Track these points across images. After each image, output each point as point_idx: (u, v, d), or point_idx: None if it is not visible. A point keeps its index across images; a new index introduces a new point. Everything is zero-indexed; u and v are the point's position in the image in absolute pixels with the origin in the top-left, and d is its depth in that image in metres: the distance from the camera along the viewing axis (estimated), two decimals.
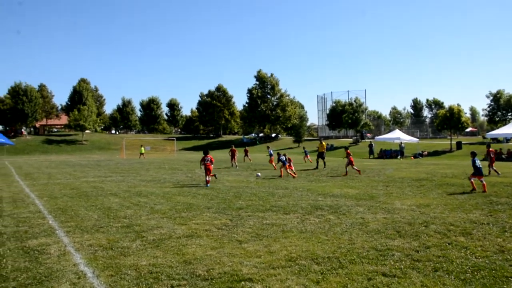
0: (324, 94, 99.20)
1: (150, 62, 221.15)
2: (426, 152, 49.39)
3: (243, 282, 5.51)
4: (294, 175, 21.31)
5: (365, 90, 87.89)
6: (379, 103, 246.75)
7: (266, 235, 8.17)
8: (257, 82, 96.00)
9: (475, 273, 5.71)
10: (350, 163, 22.79)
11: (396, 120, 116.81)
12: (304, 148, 42.39)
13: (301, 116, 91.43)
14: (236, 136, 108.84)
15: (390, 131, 70.31)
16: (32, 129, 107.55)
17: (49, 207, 12.55)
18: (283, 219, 9.85)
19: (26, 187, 18.63)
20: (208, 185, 17.64)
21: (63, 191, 16.63)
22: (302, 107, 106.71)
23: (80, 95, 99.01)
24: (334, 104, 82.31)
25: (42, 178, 23.88)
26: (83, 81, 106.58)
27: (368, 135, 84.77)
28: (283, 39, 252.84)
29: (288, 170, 21.86)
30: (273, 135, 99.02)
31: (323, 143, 28.25)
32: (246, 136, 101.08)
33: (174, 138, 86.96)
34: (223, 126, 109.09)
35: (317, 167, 27.47)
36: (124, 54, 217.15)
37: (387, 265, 6.08)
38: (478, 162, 14.83)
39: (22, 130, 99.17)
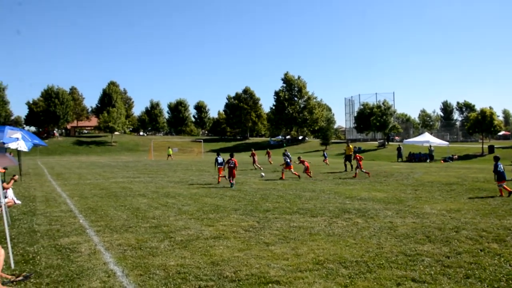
0: (351, 97, 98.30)
1: (178, 65, 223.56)
2: (456, 156, 48.36)
3: (270, 285, 5.50)
4: (297, 174, 22.34)
5: (394, 93, 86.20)
6: (408, 105, 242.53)
7: (293, 238, 8.14)
8: (284, 85, 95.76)
9: (510, 281, 5.55)
10: (359, 166, 23.04)
11: (425, 123, 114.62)
12: (323, 151, 42.84)
13: (328, 118, 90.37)
14: (263, 139, 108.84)
15: (419, 134, 69.11)
16: (63, 130, 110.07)
17: (79, 207, 12.84)
18: (310, 222, 9.81)
19: (58, 187, 19.10)
20: (233, 186, 18.06)
21: (93, 191, 16.98)
22: (330, 109, 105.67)
23: (109, 98, 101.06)
24: (362, 107, 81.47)
25: (73, 178, 24.42)
26: (112, 83, 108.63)
27: (397, 138, 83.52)
28: (311, 41, 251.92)
29: (292, 170, 22.64)
30: (300, 137, 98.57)
31: (350, 146, 28.40)
32: (273, 139, 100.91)
33: (201, 140, 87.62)
34: (250, 129, 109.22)
35: (345, 170, 27.42)
36: (153, 57, 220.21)
37: (416, 271, 5.97)
38: (501, 167, 14.60)
39: (54, 131, 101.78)
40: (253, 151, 34.21)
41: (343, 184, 18.66)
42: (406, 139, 62.44)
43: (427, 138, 49.53)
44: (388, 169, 29.49)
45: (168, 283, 5.63)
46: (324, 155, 39.81)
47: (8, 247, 6.57)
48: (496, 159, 15.07)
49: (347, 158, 27.49)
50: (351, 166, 27.40)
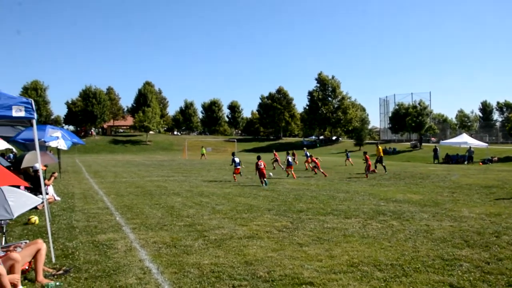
0: (386, 97, 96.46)
1: (212, 65, 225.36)
2: (496, 158, 46.83)
3: (304, 286, 5.48)
4: (294, 176, 23.02)
5: (430, 93, 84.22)
6: (445, 106, 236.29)
7: (327, 239, 8.09)
8: (318, 85, 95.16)
9: None
10: (368, 166, 24.03)
11: (463, 123, 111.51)
12: (346, 150, 43.75)
13: (363, 119, 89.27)
14: (296, 139, 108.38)
15: (456, 135, 67.40)
16: (100, 129, 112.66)
17: (116, 204, 13.13)
18: (344, 223, 9.72)
19: (95, 185, 19.58)
20: (265, 185, 18.64)
21: (128, 189, 17.33)
22: (364, 109, 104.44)
23: (145, 98, 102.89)
24: (397, 107, 79.99)
25: (109, 176, 25.00)
26: (147, 84, 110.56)
27: (433, 139, 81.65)
28: (345, 40, 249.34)
29: (292, 170, 23.67)
30: (334, 138, 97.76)
31: (380, 147, 28.32)
32: (306, 139, 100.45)
33: (235, 140, 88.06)
34: (284, 128, 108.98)
35: (385, 171, 27.01)
36: (187, 57, 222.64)
37: (454, 276, 5.82)
38: None
39: (92, 130, 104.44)
40: (275, 152, 35.40)
41: (378, 186, 18.39)
42: (442, 140, 60.96)
43: (465, 139, 48.19)
44: (424, 170, 28.88)
45: (202, 282, 5.69)
46: (346, 154, 39.21)
47: (49, 242, 6.78)
48: None
49: (379, 160, 27.32)
50: (384, 167, 27.40)
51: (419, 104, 73.44)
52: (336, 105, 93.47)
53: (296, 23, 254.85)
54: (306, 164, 30.45)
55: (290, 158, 24.42)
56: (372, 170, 23.95)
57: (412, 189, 16.93)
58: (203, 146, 58.32)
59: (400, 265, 6.31)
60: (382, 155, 27.41)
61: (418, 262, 6.49)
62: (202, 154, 53.86)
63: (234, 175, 22.09)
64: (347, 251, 7.15)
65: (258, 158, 20.59)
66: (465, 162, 43.41)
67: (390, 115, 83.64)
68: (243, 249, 7.39)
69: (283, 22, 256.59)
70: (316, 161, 25.73)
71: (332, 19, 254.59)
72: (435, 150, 47.83)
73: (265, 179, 19.29)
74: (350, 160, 37.79)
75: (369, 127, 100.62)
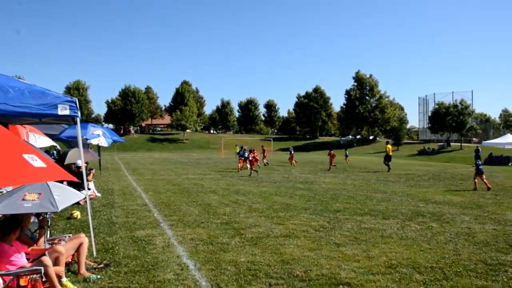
0: (426, 96, 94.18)
1: (248, 64, 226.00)
2: None
3: (341, 286, 5.44)
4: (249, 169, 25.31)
5: (472, 91, 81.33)
6: (488, 105, 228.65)
7: (364, 240, 7.99)
8: (355, 83, 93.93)
9: None
10: (330, 163, 30.01)
11: (508, 123, 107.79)
12: (345, 150, 46.86)
13: (401, 118, 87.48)
14: (333, 138, 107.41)
15: (500, 135, 65.08)
16: (138, 128, 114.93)
17: (154, 201, 13.37)
18: (382, 224, 9.57)
19: (134, 182, 20.00)
20: (251, 175, 23.32)
21: (166, 187, 17.61)
22: (402, 109, 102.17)
23: (182, 97, 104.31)
24: (437, 106, 78.02)
25: (147, 173, 25.46)
26: (185, 83, 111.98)
27: (474, 139, 79.27)
28: (383, 38, 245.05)
29: (247, 163, 26.07)
30: (371, 137, 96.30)
31: (389, 146, 29.50)
32: (343, 138, 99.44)
33: (271, 139, 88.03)
34: (320, 128, 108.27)
35: (388, 170, 27.55)
36: (224, 56, 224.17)
37: (499, 282, 5.62)
38: None
39: (130, 129, 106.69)
40: (291, 148, 38.55)
41: (416, 187, 18.00)
42: (484, 140, 59.04)
43: (510, 140, 46.53)
44: (465, 171, 28.04)
45: (239, 279, 5.72)
46: (345, 154, 42.94)
47: (91, 236, 6.98)
48: None
49: (387, 158, 28.17)
50: (388, 166, 28.01)
51: (460, 103, 71.37)
52: (373, 104, 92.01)
53: (334, 21, 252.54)
54: (294, 161, 35.49)
55: (243, 152, 28.16)
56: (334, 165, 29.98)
57: (453, 191, 16.50)
58: (236, 145, 58.89)
59: (440, 268, 6.16)
60: (391, 154, 28.44)
61: (460, 265, 6.31)
62: (237, 153, 54.53)
63: (240, 166, 26.75)
64: (385, 252, 7.04)
65: (250, 151, 26.02)
66: (510, 164, 41.92)
67: (429, 114, 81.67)
68: (280, 247, 7.38)
69: (320, 20, 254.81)
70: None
71: (370, 17, 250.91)
72: (476, 151, 46.31)
73: (253, 169, 24.38)
74: (348, 158, 41.92)
75: (408, 126, 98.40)
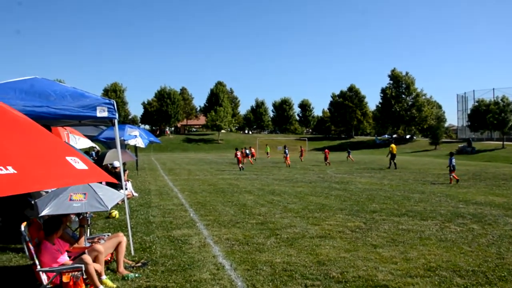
0: (465, 93, 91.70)
1: (283, 63, 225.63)
2: None
3: None
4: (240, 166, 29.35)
5: None
6: None
7: (402, 241, 7.83)
8: (391, 82, 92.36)
9: None
10: (325, 159, 34.90)
11: None
12: (348, 147, 46.47)
13: (439, 116, 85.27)
14: (369, 137, 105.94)
15: None
16: (174, 128, 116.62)
17: (190, 201, 13.53)
18: (420, 225, 9.36)
19: (170, 182, 20.31)
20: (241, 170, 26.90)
21: (201, 187, 17.79)
22: (440, 107, 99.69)
23: (217, 97, 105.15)
24: (476, 104, 75.75)
25: (183, 174, 25.81)
26: (219, 83, 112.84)
27: None
28: (419, 35, 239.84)
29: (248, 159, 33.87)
30: (408, 136, 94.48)
31: (393, 145, 31.46)
32: (379, 137, 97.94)
33: (306, 138, 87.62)
34: (355, 127, 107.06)
35: (395, 167, 29.49)
36: (258, 56, 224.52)
37: None
38: None
39: (166, 129, 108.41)
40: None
41: (455, 187, 17.53)
42: None
43: None
44: (508, 171, 27.14)
45: (275, 280, 5.72)
46: (348, 151, 42.87)
47: (129, 236, 7.12)
48: None
49: (392, 156, 30.32)
50: (390, 163, 30.47)
51: (501, 100, 68.96)
52: (410, 103, 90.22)
53: (368, 19, 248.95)
54: (288, 161, 35.00)
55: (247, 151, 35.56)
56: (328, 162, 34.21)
57: (495, 191, 15.98)
58: (267, 145, 59.85)
59: (482, 272, 5.97)
60: (395, 152, 30.50)
61: (504, 270, 6.09)
62: (267, 152, 55.19)
63: (240, 163, 29.74)
64: (424, 255, 6.88)
65: (236, 149, 31.73)
66: None
67: (468, 112, 79.42)
68: (316, 248, 7.34)
69: (354, 18, 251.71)
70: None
71: (405, 14, 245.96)
72: None
73: (240, 165, 29.02)
74: (351, 157, 41.81)
75: (446, 125, 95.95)
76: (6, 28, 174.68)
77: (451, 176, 19.31)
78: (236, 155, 31.30)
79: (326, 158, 35.50)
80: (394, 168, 29.33)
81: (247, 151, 32.01)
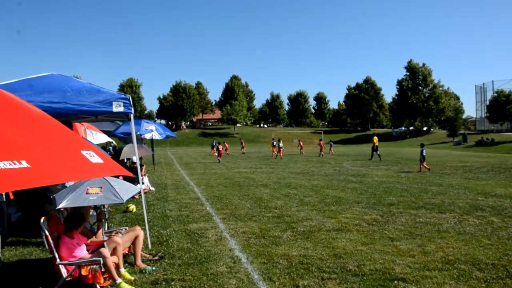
0: (483, 84, 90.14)
1: (298, 56, 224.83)
2: None
3: (395, 282, 5.30)
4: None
5: None
6: None
7: (419, 234, 7.75)
8: (408, 73, 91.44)
9: None
10: (320, 150, 38.15)
11: None
12: (330, 140, 48.88)
13: (456, 108, 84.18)
14: (385, 130, 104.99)
15: None
16: (189, 123, 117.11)
17: (206, 195, 13.58)
18: (438, 218, 9.26)
19: (186, 176, 20.40)
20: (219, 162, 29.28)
21: (217, 181, 17.84)
22: (458, 98, 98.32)
23: (232, 91, 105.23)
24: (496, 94, 74.53)
25: (199, 168, 25.92)
26: (234, 77, 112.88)
27: None
28: (436, 25, 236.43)
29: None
30: (425, 128, 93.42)
31: (376, 138, 33.36)
32: (395, 130, 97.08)
33: (321, 132, 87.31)
34: (371, 119, 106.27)
35: (379, 158, 31.10)
36: (273, 50, 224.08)
37: None
38: None
39: (182, 124, 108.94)
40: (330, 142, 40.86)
41: (474, 179, 17.29)
42: None
43: None
44: None
45: (291, 273, 5.71)
46: (330, 144, 45.17)
47: (146, 229, 7.16)
48: None
49: (375, 149, 32.32)
50: (373, 154, 32.51)
51: None
52: (427, 94, 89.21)
53: (385, 10, 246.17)
54: (275, 152, 38.23)
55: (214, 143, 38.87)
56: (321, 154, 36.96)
57: None
58: (280, 139, 59.81)
59: (503, 266, 5.87)
60: (377, 144, 32.70)
61: None
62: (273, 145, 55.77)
63: (218, 157, 31.81)
64: (442, 248, 6.80)
65: (218, 143, 35.08)
66: None
67: (487, 103, 78.20)
68: (332, 241, 7.31)
69: (369, 10, 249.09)
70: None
71: (422, 4, 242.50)
72: None
73: (219, 158, 31.50)
74: (332, 150, 44.60)
75: (464, 116, 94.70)
76: (32, 27, 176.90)
77: (422, 166, 21.16)
78: (218, 148, 33.69)
79: (321, 149, 38.54)
80: (378, 159, 30.92)
81: (220, 147, 33.20)
